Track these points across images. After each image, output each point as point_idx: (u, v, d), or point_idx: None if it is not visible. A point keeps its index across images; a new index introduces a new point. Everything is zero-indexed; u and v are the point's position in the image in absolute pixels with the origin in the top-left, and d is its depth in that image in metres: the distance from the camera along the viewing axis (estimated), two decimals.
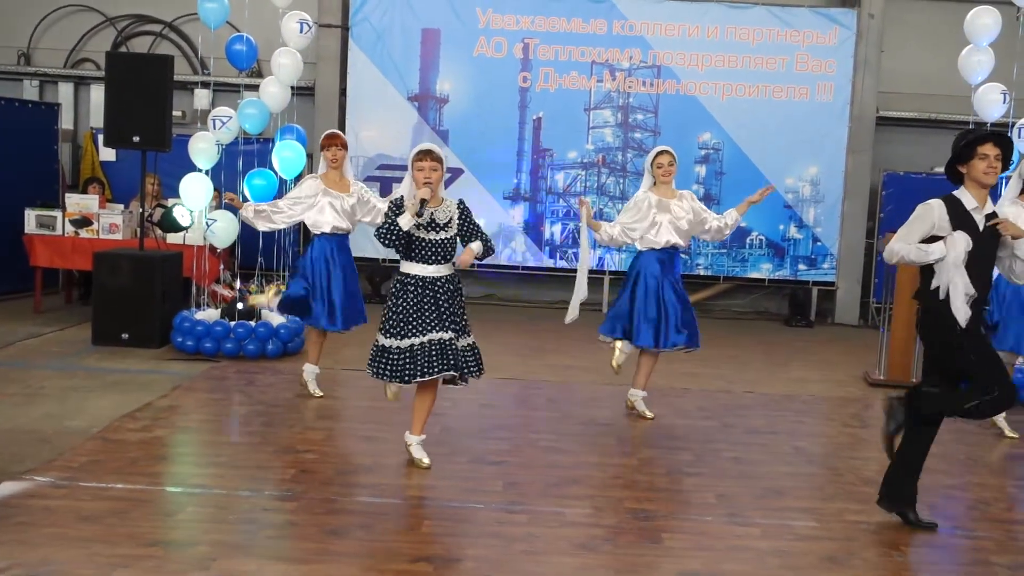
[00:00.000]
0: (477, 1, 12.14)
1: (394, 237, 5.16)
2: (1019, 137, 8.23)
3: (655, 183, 6.84)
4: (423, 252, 5.26)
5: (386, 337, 5.28)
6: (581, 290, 6.83)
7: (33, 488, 4.89)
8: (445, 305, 5.28)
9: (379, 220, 6.92)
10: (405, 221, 5.13)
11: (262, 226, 7.06)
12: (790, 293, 12.46)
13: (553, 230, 12.37)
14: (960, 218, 4.72)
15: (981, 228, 4.73)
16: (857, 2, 12.19)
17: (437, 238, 5.26)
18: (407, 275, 5.29)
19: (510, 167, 12.32)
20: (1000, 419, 6.90)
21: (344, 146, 6.99)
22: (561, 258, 12.37)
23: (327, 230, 6.93)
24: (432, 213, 5.25)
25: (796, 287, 12.36)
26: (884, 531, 4.88)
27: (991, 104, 8.37)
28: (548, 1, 12.13)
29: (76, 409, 6.43)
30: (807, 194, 12.25)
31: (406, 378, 5.22)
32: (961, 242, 4.65)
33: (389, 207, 5.25)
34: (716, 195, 12.11)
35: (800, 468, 6.02)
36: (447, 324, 5.25)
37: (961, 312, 4.64)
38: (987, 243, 4.75)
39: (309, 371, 7.10)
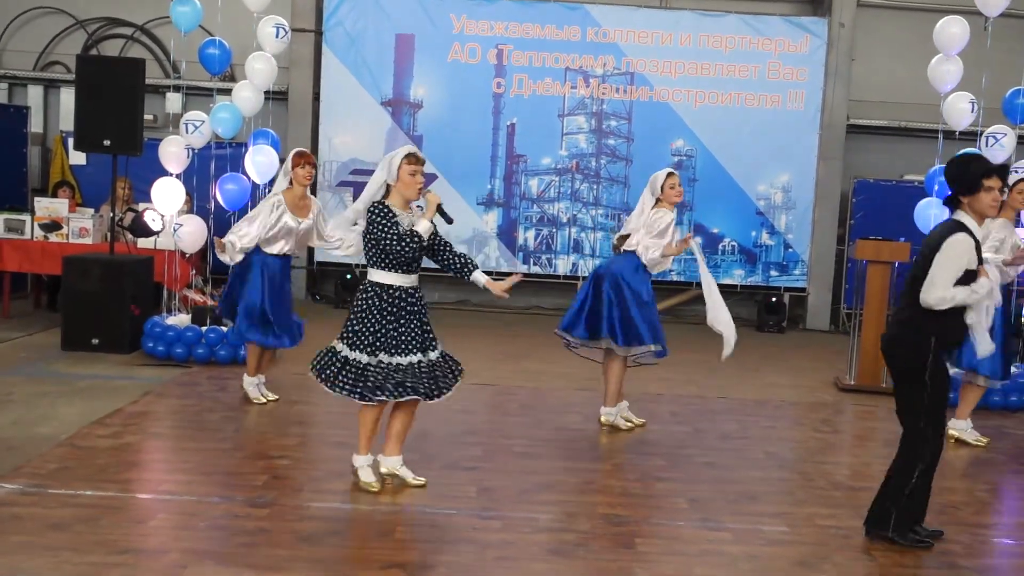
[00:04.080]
0: (451, 7, 12.15)
1: (415, 246, 4.93)
2: (987, 146, 8.34)
3: (658, 201, 6.66)
4: (404, 260, 5.01)
5: (352, 350, 5.03)
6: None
7: (1, 495, 4.83)
8: (420, 318, 5.12)
9: (328, 240, 6.90)
10: (424, 227, 4.95)
11: (239, 258, 6.91)
12: (761, 299, 12.53)
13: (527, 236, 12.39)
14: (978, 249, 4.69)
15: None
16: (828, 11, 12.32)
17: (416, 246, 5.04)
18: (384, 285, 5.03)
19: (484, 173, 12.33)
20: (967, 432, 6.96)
21: (315, 165, 6.95)
22: (535, 264, 12.39)
23: (275, 251, 6.84)
24: (415, 222, 5.06)
25: (768, 293, 12.43)
26: (855, 536, 4.92)
27: (960, 113, 8.47)
28: (522, 7, 12.16)
29: (45, 415, 6.36)
30: (779, 201, 12.34)
31: (371, 395, 4.99)
32: (996, 273, 4.65)
33: (373, 213, 4.97)
34: (689, 201, 12.17)
35: (771, 473, 6.06)
36: (420, 343, 5.10)
37: (983, 345, 4.66)
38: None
39: (249, 383, 7.05)
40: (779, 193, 12.34)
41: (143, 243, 9.28)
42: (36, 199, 10.07)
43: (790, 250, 12.40)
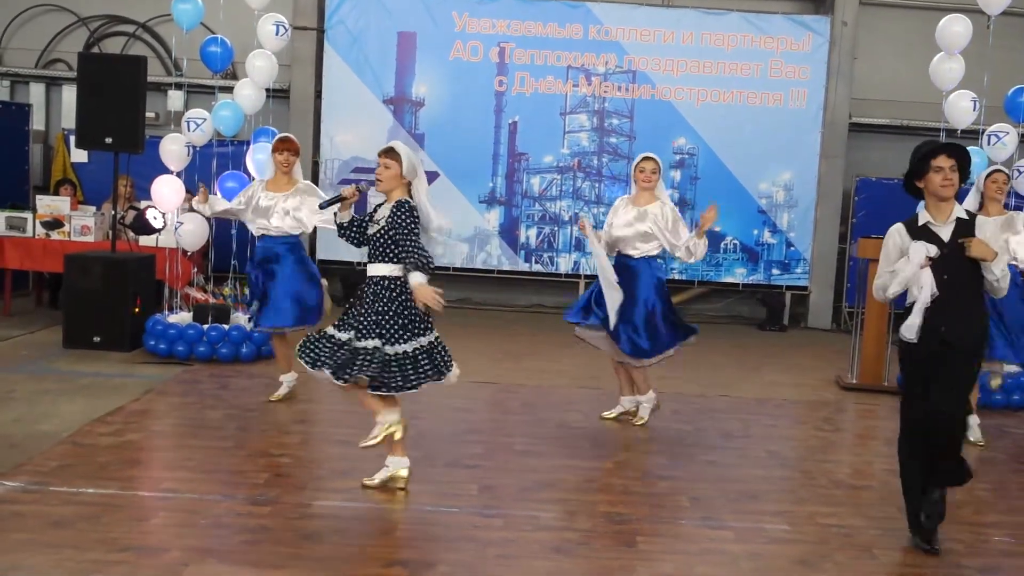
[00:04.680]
0: (453, 5, 12.14)
1: (339, 232, 5.39)
2: (989, 144, 8.33)
3: (637, 189, 6.81)
4: (369, 249, 5.20)
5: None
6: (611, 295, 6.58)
7: (2, 493, 4.84)
8: (368, 305, 5.05)
9: (316, 221, 6.92)
10: (340, 216, 5.33)
11: (215, 209, 7.24)
12: (762, 298, 12.52)
13: (528, 234, 12.38)
14: (917, 234, 4.69)
15: (946, 239, 4.64)
16: (831, 9, 12.31)
17: (370, 232, 5.19)
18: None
19: (486, 171, 12.32)
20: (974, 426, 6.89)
21: (296, 151, 6.91)
22: (536, 262, 12.38)
23: (258, 232, 6.91)
24: (378, 208, 5.21)
25: (769, 292, 12.43)
26: (856, 534, 4.92)
27: (962, 111, 8.45)
28: (524, 5, 12.15)
29: (46, 413, 6.36)
30: (780, 199, 12.33)
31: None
32: (920, 250, 4.61)
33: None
34: (691, 199, 12.17)
35: (773, 471, 6.06)
36: (352, 324, 5.06)
37: (912, 327, 4.63)
38: (955, 256, 4.61)
39: (288, 379, 7.08)
40: (781, 191, 12.33)
41: (145, 241, 9.28)
42: (38, 197, 10.07)
43: (792, 248, 12.39)
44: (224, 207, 7.21)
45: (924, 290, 4.60)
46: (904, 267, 4.66)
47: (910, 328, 4.65)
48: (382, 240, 5.09)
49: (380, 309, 5.03)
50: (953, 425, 4.67)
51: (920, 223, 4.73)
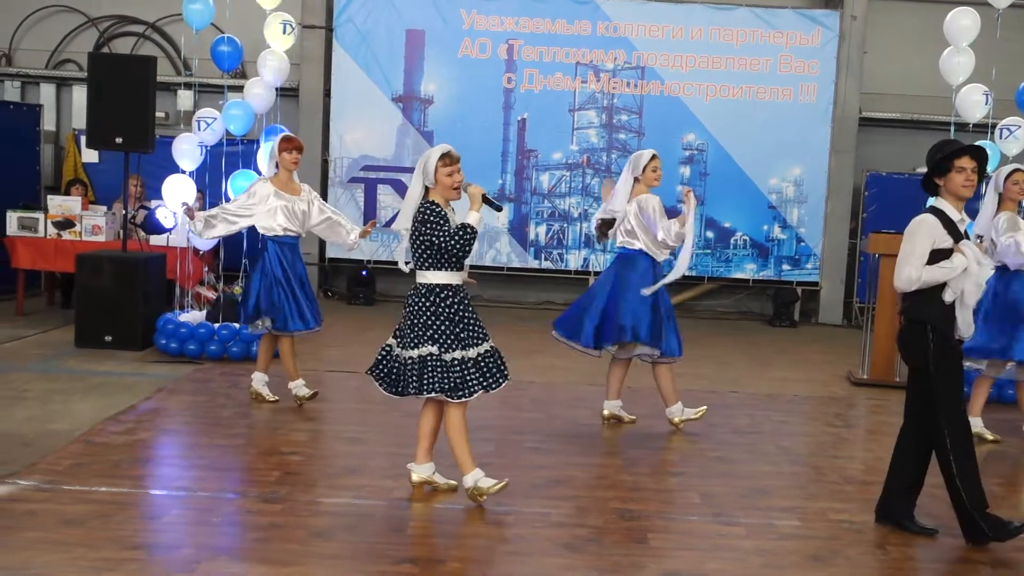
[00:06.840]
0: (461, 2, 12.15)
1: (469, 239, 4.82)
2: (1001, 138, 8.29)
3: (636, 181, 6.61)
4: (460, 257, 4.93)
5: (447, 351, 4.89)
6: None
7: (15, 491, 4.87)
8: (473, 312, 5.09)
9: (328, 228, 6.86)
10: (475, 219, 4.87)
11: (206, 235, 6.92)
12: (774, 293, 12.48)
13: (538, 231, 12.38)
14: (952, 229, 4.68)
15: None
16: (840, 4, 12.27)
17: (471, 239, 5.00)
18: (441, 286, 4.94)
19: (495, 168, 12.32)
20: (978, 426, 6.84)
21: (302, 150, 6.88)
22: (546, 259, 12.38)
23: (279, 233, 6.80)
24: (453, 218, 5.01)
25: (781, 287, 12.40)
26: (867, 530, 4.91)
27: (973, 105, 8.42)
28: (532, 2, 12.14)
29: (59, 412, 6.40)
30: (791, 194, 12.30)
31: (490, 386, 5.00)
32: (976, 251, 4.65)
33: (425, 212, 4.84)
34: (700, 196, 12.14)
35: (784, 467, 6.05)
36: (480, 334, 5.08)
37: (965, 325, 4.65)
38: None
39: (258, 380, 6.98)
40: (791, 187, 12.30)
41: (155, 240, 9.31)
42: (49, 197, 10.11)
43: (802, 244, 12.36)
44: (219, 229, 6.86)
45: (974, 291, 4.63)
46: (961, 263, 4.59)
47: (967, 325, 4.68)
48: (472, 245, 4.97)
49: (474, 316, 5.09)
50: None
51: (954, 219, 4.70)
